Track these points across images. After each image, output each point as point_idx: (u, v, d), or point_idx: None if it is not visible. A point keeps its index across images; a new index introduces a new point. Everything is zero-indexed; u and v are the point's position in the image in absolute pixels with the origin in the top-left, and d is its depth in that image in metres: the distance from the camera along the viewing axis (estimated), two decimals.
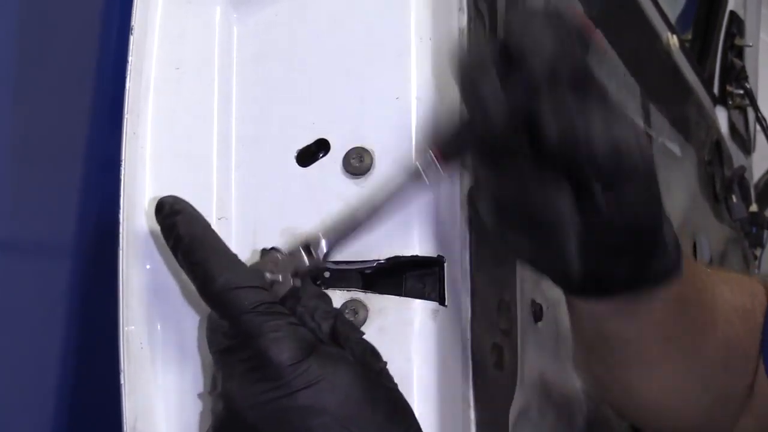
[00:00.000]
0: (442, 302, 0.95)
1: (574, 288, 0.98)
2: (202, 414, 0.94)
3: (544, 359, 1.20)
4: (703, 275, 1.08)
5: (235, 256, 0.87)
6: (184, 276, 0.95)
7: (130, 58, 0.96)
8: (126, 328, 0.93)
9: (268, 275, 0.87)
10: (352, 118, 0.97)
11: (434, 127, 0.91)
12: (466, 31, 1.03)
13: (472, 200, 0.95)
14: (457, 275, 0.98)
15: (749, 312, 1.11)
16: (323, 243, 0.90)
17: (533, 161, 0.86)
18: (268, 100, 0.99)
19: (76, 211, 1.63)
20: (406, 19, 0.98)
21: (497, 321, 1.05)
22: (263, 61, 1.00)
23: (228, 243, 0.95)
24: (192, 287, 0.94)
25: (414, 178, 0.90)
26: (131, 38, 0.97)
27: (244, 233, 0.96)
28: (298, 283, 0.89)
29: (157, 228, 0.94)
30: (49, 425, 1.53)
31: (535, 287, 1.20)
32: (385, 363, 0.87)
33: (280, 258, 0.89)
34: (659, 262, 0.94)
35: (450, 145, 0.89)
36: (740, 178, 2.20)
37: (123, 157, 0.95)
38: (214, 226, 0.95)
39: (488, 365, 1.02)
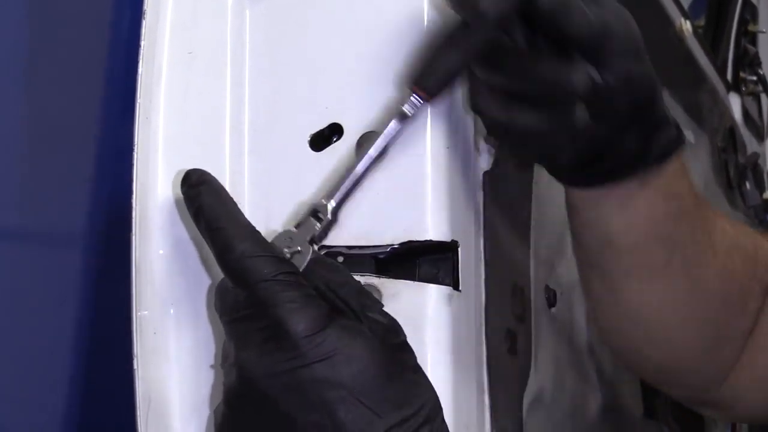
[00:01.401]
0: (456, 287, 0.95)
1: (582, 171, 0.99)
2: (215, 395, 0.94)
3: (558, 345, 1.20)
4: (702, 198, 1.10)
5: (255, 229, 0.88)
6: (198, 261, 0.95)
7: (142, 43, 0.96)
8: (139, 313, 0.93)
9: (286, 250, 0.88)
10: (366, 102, 0.96)
11: (410, 65, 0.93)
12: None
13: (475, 105, 0.96)
14: (471, 260, 0.97)
15: (751, 258, 1.11)
16: (329, 204, 0.90)
17: (531, 49, 0.91)
18: (280, 85, 0.98)
19: (89, 200, 1.64)
20: (419, 3, 0.97)
21: (511, 306, 1.05)
22: (276, 45, 0.99)
23: None
24: (205, 271, 0.95)
25: (400, 118, 0.91)
26: (143, 23, 0.96)
27: (257, 217, 0.95)
28: (316, 248, 0.90)
29: (171, 212, 0.95)
30: (64, 410, 1.53)
31: (550, 273, 1.20)
32: (405, 337, 0.87)
33: (293, 231, 0.90)
34: (662, 135, 0.98)
35: (431, 74, 0.91)
36: (754, 164, 2.19)
37: (135, 142, 0.95)
38: None
39: (502, 350, 1.02)
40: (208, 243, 0.88)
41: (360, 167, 0.91)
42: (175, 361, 0.94)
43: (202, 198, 0.88)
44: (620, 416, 1.33)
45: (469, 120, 1.00)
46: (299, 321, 0.82)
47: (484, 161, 1.02)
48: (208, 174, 0.90)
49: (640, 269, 1.06)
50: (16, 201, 1.72)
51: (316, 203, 0.91)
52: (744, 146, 2.19)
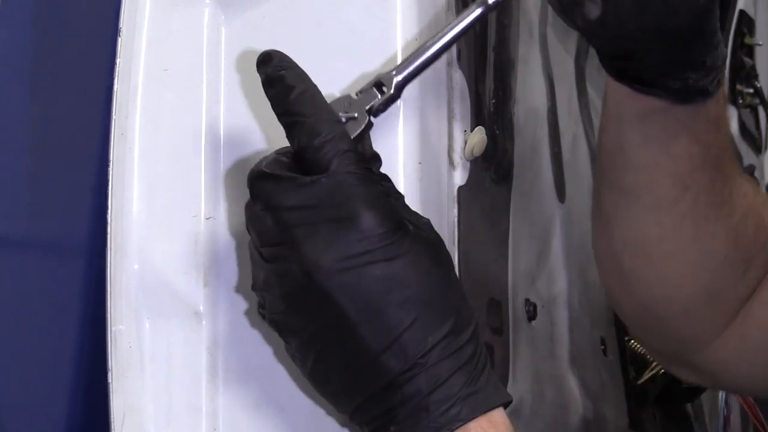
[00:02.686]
0: None
1: (615, 63, 0.99)
2: (191, 412, 0.94)
3: (538, 358, 1.20)
4: (731, 156, 1.09)
5: (340, 120, 0.87)
6: (173, 276, 0.96)
7: (117, 60, 0.97)
8: (114, 328, 0.94)
9: (343, 115, 0.87)
10: None
11: None
12: None
13: None
14: None
15: (765, 228, 1.10)
16: (395, 78, 0.89)
17: None
18: (256, 101, 0.99)
19: (93, 208, 1.65)
20: (392, 20, 0.98)
21: (487, 320, 1.06)
22: (251, 62, 1.00)
23: (216, 243, 0.96)
24: (181, 287, 0.96)
25: (483, 5, 0.90)
26: (119, 40, 0.98)
27: (232, 233, 0.97)
28: (373, 120, 0.88)
29: (146, 228, 0.96)
30: (67, 415, 1.54)
31: (530, 286, 1.20)
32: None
33: (353, 98, 0.89)
34: (690, 75, 0.96)
35: None
36: (750, 177, 2.19)
37: (111, 158, 0.96)
38: (203, 225, 0.96)
39: None
40: (287, 122, 0.86)
41: (432, 47, 0.90)
42: (150, 376, 0.95)
43: (288, 79, 0.86)
44: (604, 428, 1.33)
45: (444, 135, 1.01)
46: (378, 218, 0.82)
47: (459, 176, 1.03)
48: (289, 58, 0.88)
49: (646, 195, 1.06)
50: (20, 210, 1.74)
51: (382, 74, 0.89)
52: (740, 158, 2.19)
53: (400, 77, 0.89)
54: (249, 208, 0.86)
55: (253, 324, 0.96)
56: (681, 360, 1.20)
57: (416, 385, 0.82)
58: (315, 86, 0.87)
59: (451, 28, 0.90)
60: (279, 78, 0.87)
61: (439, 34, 0.90)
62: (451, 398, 0.82)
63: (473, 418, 0.83)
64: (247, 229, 0.87)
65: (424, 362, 0.81)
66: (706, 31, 0.94)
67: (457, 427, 0.82)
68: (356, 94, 0.89)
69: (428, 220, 0.87)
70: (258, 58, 0.88)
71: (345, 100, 0.88)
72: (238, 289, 0.96)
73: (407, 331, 0.81)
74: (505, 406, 0.86)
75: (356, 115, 0.88)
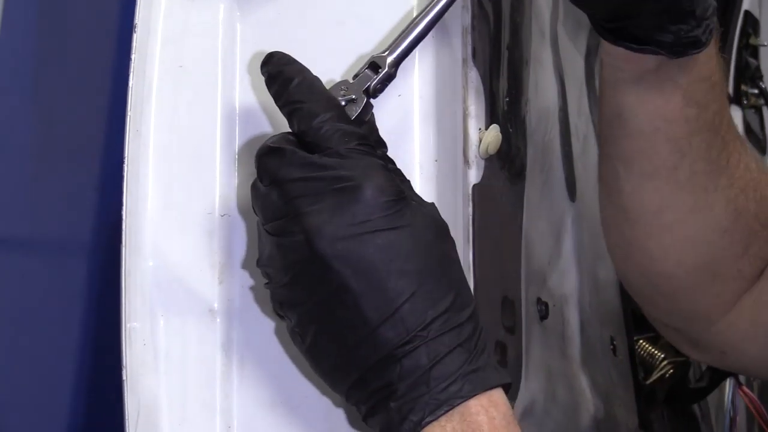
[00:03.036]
0: None
1: (608, 25, 1.00)
2: (205, 410, 0.94)
3: (550, 357, 1.20)
4: (732, 126, 1.09)
5: (337, 100, 0.89)
6: (187, 273, 0.96)
7: (132, 56, 0.96)
8: (128, 325, 0.94)
9: (341, 98, 0.89)
10: None
11: None
12: (470, 30, 1.03)
13: None
14: None
15: (765, 206, 1.11)
16: (389, 58, 0.91)
17: None
18: (271, 98, 0.99)
19: (95, 209, 1.65)
20: (408, 18, 0.98)
21: (501, 318, 1.06)
22: None
23: (231, 240, 0.96)
24: (196, 284, 0.95)
25: None
26: (134, 36, 0.97)
27: (246, 230, 0.97)
28: (372, 102, 0.90)
29: (161, 224, 0.96)
30: (70, 413, 1.54)
31: (542, 285, 1.20)
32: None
33: (350, 82, 0.91)
34: (682, 28, 0.98)
35: None
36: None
37: (126, 155, 0.96)
38: (217, 223, 0.96)
39: None
40: (289, 111, 0.88)
41: (422, 24, 0.92)
42: (164, 373, 0.94)
43: (287, 73, 0.88)
44: (614, 428, 1.33)
45: (459, 133, 1.00)
46: (381, 189, 0.82)
47: (474, 174, 1.02)
48: (292, 57, 0.90)
49: (644, 162, 1.07)
50: (24, 209, 1.74)
51: (375, 56, 0.91)
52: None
53: (393, 56, 0.91)
54: (255, 186, 0.88)
55: (268, 321, 0.95)
56: (688, 337, 1.21)
57: (416, 359, 0.81)
58: (314, 76, 0.89)
59: (438, 4, 0.92)
60: (279, 73, 0.88)
61: (428, 8, 0.92)
62: (452, 375, 0.82)
63: (474, 396, 0.82)
64: (253, 208, 0.88)
65: (424, 335, 0.82)
66: None
67: (458, 404, 0.82)
68: (353, 78, 0.91)
69: (433, 203, 0.88)
70: (261, 61, 0.90)
71: (342, 84, 0.90)
72: (253, 287, 0.96)
73: (407, 303, 0.81)
74: (506, 389, 0.85)
75: (354, 97, 0.90)
